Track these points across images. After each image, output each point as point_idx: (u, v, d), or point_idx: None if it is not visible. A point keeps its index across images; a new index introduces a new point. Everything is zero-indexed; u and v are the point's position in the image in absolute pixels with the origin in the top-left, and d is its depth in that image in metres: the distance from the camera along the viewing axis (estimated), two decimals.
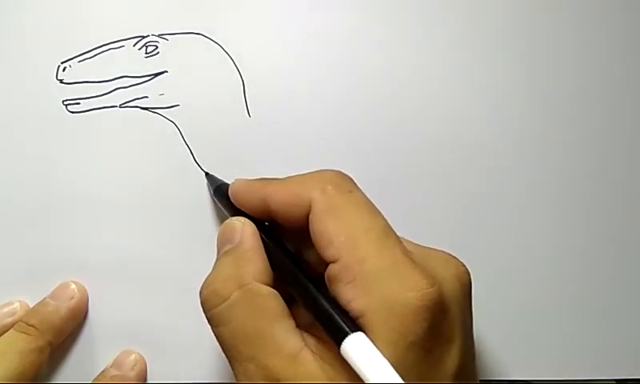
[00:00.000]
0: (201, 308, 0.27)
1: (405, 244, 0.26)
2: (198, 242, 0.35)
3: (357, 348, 0.23)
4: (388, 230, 0.26)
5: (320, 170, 0.28)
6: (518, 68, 0.36)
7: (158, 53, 0.35)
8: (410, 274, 0.24)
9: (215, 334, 0.27)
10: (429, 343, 0.24)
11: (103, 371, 0.34)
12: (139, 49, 0.35)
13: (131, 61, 0.35)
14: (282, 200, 0.28)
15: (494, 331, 0.34)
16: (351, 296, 0.24)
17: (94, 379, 0.33)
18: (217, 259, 0.28)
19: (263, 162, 0.35)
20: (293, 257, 0.28)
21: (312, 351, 0.25)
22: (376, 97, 0.35)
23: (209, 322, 0.27)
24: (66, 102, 0.35)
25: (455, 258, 0.27)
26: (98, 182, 0.35)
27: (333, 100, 0.35)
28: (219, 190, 0.33)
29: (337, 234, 0.25)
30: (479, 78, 0.36)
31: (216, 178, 0.34)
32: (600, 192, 0.36)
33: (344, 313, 0.24)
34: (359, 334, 0.23)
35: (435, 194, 0.35)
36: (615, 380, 0.35)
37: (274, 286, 0.27)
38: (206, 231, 0.35)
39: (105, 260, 0.34)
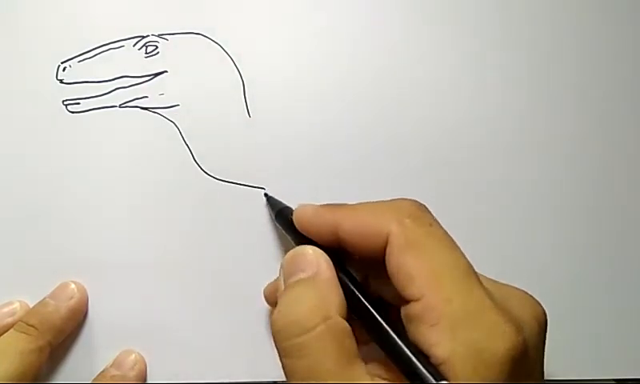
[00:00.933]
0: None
1: (482, 280, 0.25)
2: (197, 242, 0.35)
3: None
4: (470, 269, 0.25)
5: (396, 200, 0.27)
6: (518, 68, 0.36)
7: (158, 53, 0.35)
8: (498, 320, 0.24)
9: (285, 366, 0.25)
10: None
11: (103, 371, 0.34)
12: (139, 49, 0.35)
13: (131, 61, 0.35)
14: (355, 230, 0.27)
15: None
16: (435, 340, 0.23)
17: (94, 379, 0.33)
18: (288, 287, 0.27)
19: (263, 162, 0.35)
20: (366, 293, 0.27)
21: None
22: (376, 97, 0.35)
23: (282, 352, 0.25)
24: (65, 102, 0.35)
25: (532, 296, 0.27)
26: (97, 182, 0.35)
27: (333, 100, 0.35)
28: (281, 215, 0.32)
29: (419, 271, 0.24)
30: (481, 77, 0.36)
31: (276, 201, 0.33)
32: (600, 193, 0.36)
33: (426, 359, 0.23)
34: None
35: (437, 194, 0.35)
36: (615, 380, 0.35)
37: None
38: (206, 231, 0.35)
39: (105, 260, 0.34)
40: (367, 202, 0.28)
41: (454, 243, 0.26)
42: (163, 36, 0.35)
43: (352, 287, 0.26)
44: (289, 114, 0.35)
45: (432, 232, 0.26)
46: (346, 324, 0.25)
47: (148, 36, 0.35)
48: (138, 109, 0.35)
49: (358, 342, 0.25)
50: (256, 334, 0.34)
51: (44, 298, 0.34)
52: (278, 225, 0.33)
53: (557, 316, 0.35)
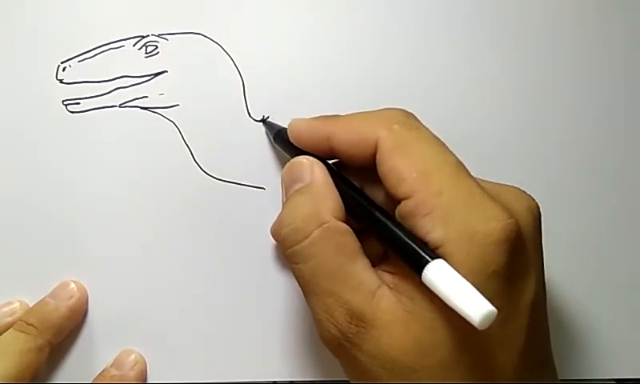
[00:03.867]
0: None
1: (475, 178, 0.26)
2: (197, 242, 0.35)
3: (439, 274, 0.23)
4: (460, 164, 0.26)
5: (384, 109, 0.28)
6: (512, 66, 0.36)
7: (158, 53, 0.35)
8: (489, 205, 0.24)
9: (294, 270, 0.27)
10: (509, 273, 0.24)
11: (103, 371, 0.34)
12: (139, 49, 0.35)
13: (131, 61, 0.35)
14: (346, 139, 0.28)
15: None
16: (429, 227, 0.24)
17: (94, 379, 0.33)
18: (289, 198, 0.28)
19: (263, 162, 0.35)
20: (362, 193, 0.28)
21: (389, 287, 0.25)
22: (376, 96, 0.35)
23: (288, 258, 0.27)
24: (65, 102, 0.35)
25: (525, 192, 0.27)
26: (97, 182, 0.35)
27: (333, 100, 0.35)
28: (279, 135, 0.32)
29: (408, 171, 0.25)
30: (477, 74, 0.36)
31: (274, 124, 0.34)
32: (598, 192, 0.36)
33: (423, 243, 0.24)
34: (440, 261, 0.23)
35: None
36: (615, 380, 0.35)
37: (346, 223, 0.27)
38: (206, 230, 0.35)
39: (104, 259, 0.34)
40: (357, 112, 0.29)
41: (442, 143, 0.27)
42: (163, 36, 0.35)
43: (347, 189, 0.28)
44: (289, 114, 0.35)
45: (420, 134, 0.27)
46: (344, 225, 0.26)
47: (148, 36, 0.35)
48: (138, 109, 0.35)
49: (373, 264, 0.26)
50: (256, 334, 0.34)
51: (44, 298, 0.34)
52: (276, 146, 0.33)
53: (557, 316, 0.35)
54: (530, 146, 0.36)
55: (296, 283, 0.34)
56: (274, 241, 0.34)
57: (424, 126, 0.27)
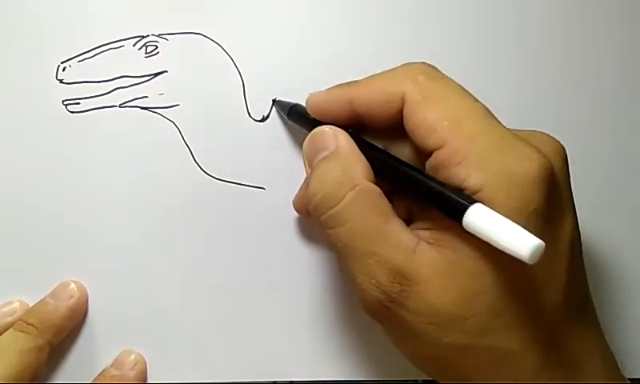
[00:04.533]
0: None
1: None
2: (197, 242, 0.35)
3: (481, 217, 0.23)
4: (488, 111, 0.26)
5: (406, 64, 0.28)
6: (512, 66, 0.36)
7: (158, 53, 0.35)
8: (522, 146, 0.25)
9: (330, 236, 0.27)
10: (548, 211, 0.24)
11: (103, 371, 0.34)
12: (139, 49, 0.35)
13: (131, 61, 0.35)
14: (370, 100, 0.28)
15: None
16: (465, 174, 0.24)
17: (94, 379, 0.33)
18: (315, 167, 0.28)
19: (263, 162, 0.35)
20: (389, 153, 0.28)
21: (428, 243, 0.25)
22: None
23: (322, 225, 0.27)
24: (65, 102, 0.35)
25: (551, 136, 0.28)
26: (97, 182, 0.35)
27: None
28: (294, 110, 0.32)
29: (439, 120, 0.25)
30: (477, 74, 0.36)
31: (285, 102, 0.34)
32: (600, 192, 0.36)
33: (459, 190, 0.24)
34: (479, 205, 0.23)
35: None
36: None
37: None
38: (206, 230, 0.35)
39: (105, 259, 0.34)
40: (377, 73, 0.29)
41: (468, 92, 0.27)
42: (163, 36, 0.35)
43: (373, 152, 0.27)
44: None
45: (446, 83, 0.27)
46: (375, 186, 0.26)
47: (148, 36, 0.35)
48: (138, 109, 0.35)
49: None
50: (256, 334, 0.34)
51: (44, 298, 0.33)
52: (292, 122, 0.33)
53: None
54: None
55: (296, 283, 0.34)
56: (274, 240, 0.34)
57: (448, 77, 0.27)
